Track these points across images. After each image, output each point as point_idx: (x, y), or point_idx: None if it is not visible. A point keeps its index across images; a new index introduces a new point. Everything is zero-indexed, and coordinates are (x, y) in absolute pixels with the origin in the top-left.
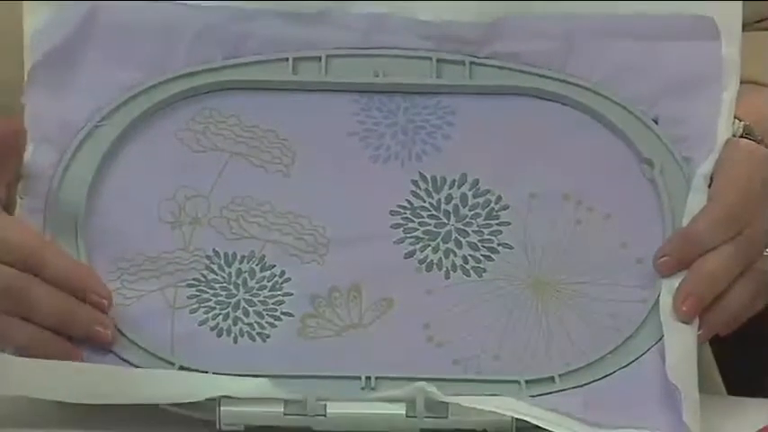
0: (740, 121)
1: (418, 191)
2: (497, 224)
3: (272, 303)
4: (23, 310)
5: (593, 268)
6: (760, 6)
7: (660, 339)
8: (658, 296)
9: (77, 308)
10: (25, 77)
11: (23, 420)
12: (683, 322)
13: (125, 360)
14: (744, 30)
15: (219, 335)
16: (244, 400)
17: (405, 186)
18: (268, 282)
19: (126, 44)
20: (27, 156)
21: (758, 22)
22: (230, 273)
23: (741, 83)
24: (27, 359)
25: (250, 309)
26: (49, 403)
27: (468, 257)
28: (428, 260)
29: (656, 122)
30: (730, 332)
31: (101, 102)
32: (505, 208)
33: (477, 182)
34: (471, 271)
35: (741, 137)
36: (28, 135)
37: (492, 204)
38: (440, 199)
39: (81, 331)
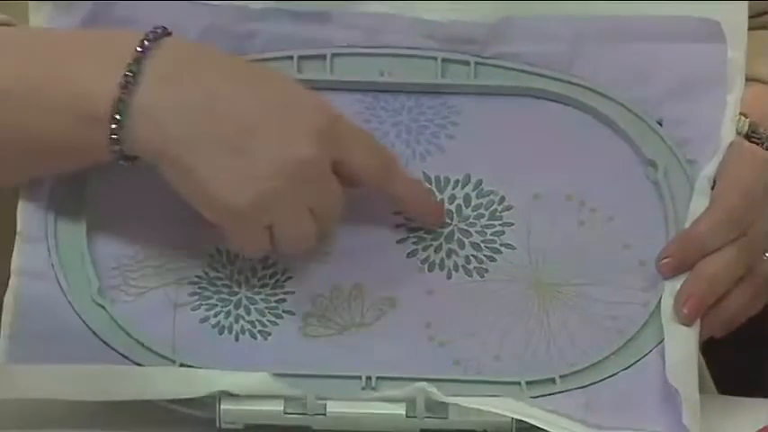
0: (745, 117)
1: None
2: (500, 225)
3: (274, 302)
4: None
5: (596, 270)
6: (757, 4)
7: (661, 341)
8: (660, 298)
9: None
10: None
11: (25, 420)
12: (684, 324)
13: (126, 357)
14: None
15: (221, 332)
16: (244, 398)
17: None
18: (270, 280)
19: None
20: None
21: (754, 17)
22: (232, 270)
23: (746, 80)
24: (27, 366)
25: (252, 307)
26: (50, 402)
27: (471, 258)
28: (430, 260)
29: (661, 124)
30: (726, 333)
31: None
32: (509, 209)
33: (480, 182)
34: (473, 271)
35: (746, 134)
36: None
37: (495, 205)
38: (443, 199)
39: None
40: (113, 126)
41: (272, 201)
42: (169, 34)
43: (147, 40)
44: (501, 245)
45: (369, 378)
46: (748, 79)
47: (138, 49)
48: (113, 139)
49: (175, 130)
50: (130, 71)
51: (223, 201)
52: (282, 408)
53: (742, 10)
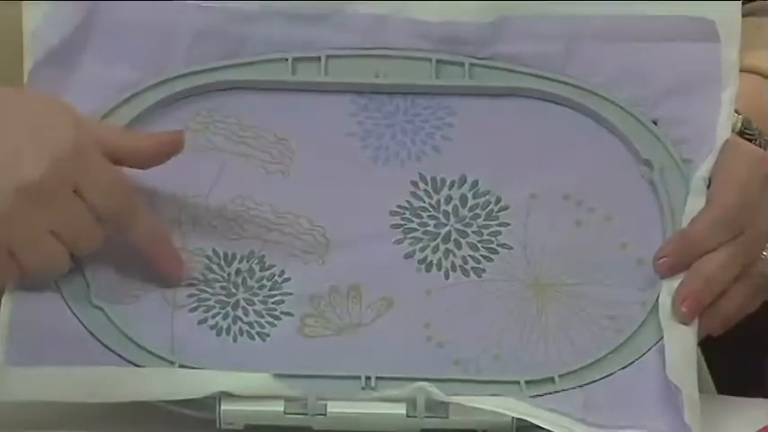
0: (738, 114)
1: (418, 191)
2: (497, 225)
3: (272, 303)
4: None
5: (593, 269)
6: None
7: (660, 340)
8: (658, 297)
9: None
10: (25, 77)
11: (23, 422)
12: (683, 323)
13: (124, 359)
14: None
15: (219, 334)
16: (244, 398)
17: (404, 187)
18: (267, 281)
19: (125, 44)
20: None
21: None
22: (230, 272)
23: (740, 72)
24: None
25: (250, 308)
26: (49, 405)
27: (468, 258)
28: (428, 260)
29: (656, 124)
30: (724, 332)
31: (100, 101)
32: (505, 209)
33: (476, 183)
34: (471, 271)
35: (739, 130)
36: None
37: (491, 205)
38: (439, 199)
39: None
40: None
41: (2, 225)
42: None
43: None
44: (498, 245)
45: (368, 378)
46: (742, 70)
47: None
48: None
49: None
50: None
51: None
52: (283, 408)
53: (736, 9)
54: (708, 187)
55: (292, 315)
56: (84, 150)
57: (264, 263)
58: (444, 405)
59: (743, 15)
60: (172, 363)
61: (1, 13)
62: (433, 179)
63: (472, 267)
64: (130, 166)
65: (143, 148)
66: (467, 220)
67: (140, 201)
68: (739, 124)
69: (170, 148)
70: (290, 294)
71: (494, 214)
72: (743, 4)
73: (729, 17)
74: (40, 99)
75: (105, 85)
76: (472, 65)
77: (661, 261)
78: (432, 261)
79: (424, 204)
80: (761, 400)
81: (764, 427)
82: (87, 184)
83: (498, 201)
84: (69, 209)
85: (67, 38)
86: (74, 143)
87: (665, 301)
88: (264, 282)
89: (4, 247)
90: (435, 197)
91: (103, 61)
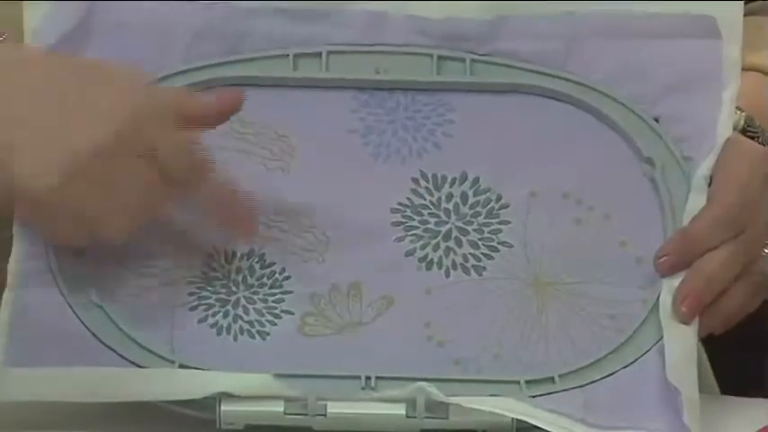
0: (741, 111)
1: (418, 189)
2: (497, 223)
3: (272, 301)
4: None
5: (594, 267)
6: None
7: (660, 339)
8: (658, 296)
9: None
10: None
11: (23, 422)
12: (683, 322)
13: (125, 358)
14: None
15: (219, 333)
16: (244, 399)
17: (405, 184)
18: (268, 279)
19: (125, 42)
20: None
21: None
22: (230, 270)
23: (742, 70)
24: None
25: (250, 307)
26: (49, 405)
27: (469, 256)
28: (428, 258)
29: (657, 121)
30: (725, 331)
31: None
32: (506, 206)
33: (477, 180)
34: (471, 269)
35: (742, 128)
36: None
37: (492, 203)
38: (440, 197)
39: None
40: None
41: (76, 190)
42: None
43: None
44: (499, 243)
45: (368, 378)
46: (744, 68)
47: None
48: None
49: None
50: None
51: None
52: (283, 408)
53: (737, 6)
54: (709, 185)
55: (293, 314)
56: (156, 113)
57: (265, 261)
58: (444, 405)
59: (744, 15)
60: (172, 362)
61: (1, 12)
62: (434, 176)
63: (473, 266)
64: (197, 127)
65: (209, 108)
66: (467, 218)
67: (211, 162)
68: (742, 122)
69: (232, 107)
70: (291, 293)
71: (494, 212)
72: (744, 3)
73: (731, 14)
74: (111, 64)
75: None
76: (473, 61)
77: (662, 260)
78: (432, 259)
79: (424, 202)
80: (761, 400)
81: (764, 427)
82: (160, 146)
83: (499, 198)
84: (142, 172)
85: (67, 37)
86: (145, 105)
87: (666, 300)
88: (265, 280)
89: (76, 213)
90: (436, 194)
91: (103, 59)
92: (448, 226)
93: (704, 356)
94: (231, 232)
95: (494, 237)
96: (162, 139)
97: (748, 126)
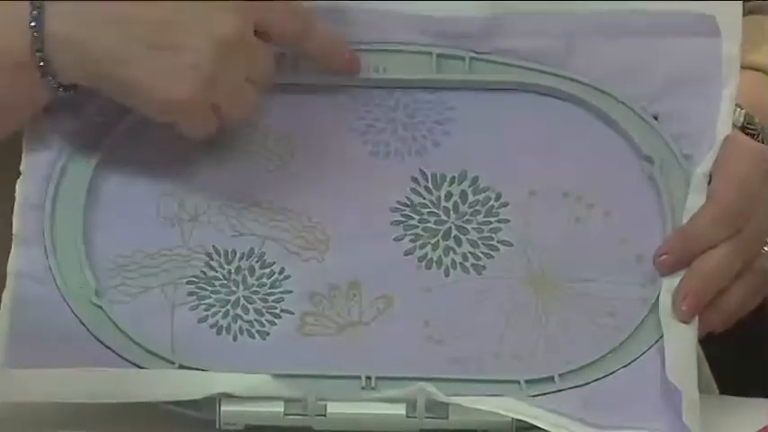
0: (741, 109)
1: (418, 187)
2: (497, 221)
3: (272, 301)
4: None
5: (593, 266)
6: None
7: (660, 338)
8: (658, 294)
9: None
10: None
11: (23, 422)
12: (683, 321)
13: (124, 358)
14: None
15: (219, 332)
16: (244, 399)
17: (404, 183)
18: (267, 279)
19: None
20: (25, 152)
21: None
22: (230, 270)
23: (741, 68)
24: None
25: (250, 306)
26: (49, 405)
27: (468, 255)
28: (428, 257)
29: (657, 119)
30: (725, 329)
31: (101, 98)
32: (505, 205)
33: (476, 179)
34: (471, 268)
35: (742, 125)
36: (26, 132)
37: (492, 202)
38: (440, 196)
39: None
40: (41, 65)
41: (209, 85)
42: None
43: None
44: (498, 242)
45: (368, 378)
46: (743, 67)
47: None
48: (45, 78)
49: (97, 48)
50: (35, 12)
51: (165, 100)
52: (283, 409)
53: (737, 5)
54: (709, 183)
55: (292, 313)
56: None
57: (264, 260)
58: (444, 405)
59: (744, 14)
60: (172, 362)
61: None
62: (434, 175)
63: (472, 264)
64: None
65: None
66: (467, 217)
67: (309, 14)
68: (741, 119)
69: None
70: (290, 292)
71: (494, 211)
72: (744, 2)
73: (730, 12)
74: None
75: None
76: (473, 59)
77: (661, 258)
78: (432, 258)
79: (424, 201)
80: (761, 400)
81: (764, 427)
82: (266, 15)
83: (498, 197)
84: (257, 50)
85: None
86: None
87: (666, 299)
88: (264, 279)
89: (209, 103)
90: (436, 193)
91: None
92: (447, 225)
93: (702, 356)
94: (338, 69)
95: (493, 235)
96: (266, 11)
97: (748, 123)
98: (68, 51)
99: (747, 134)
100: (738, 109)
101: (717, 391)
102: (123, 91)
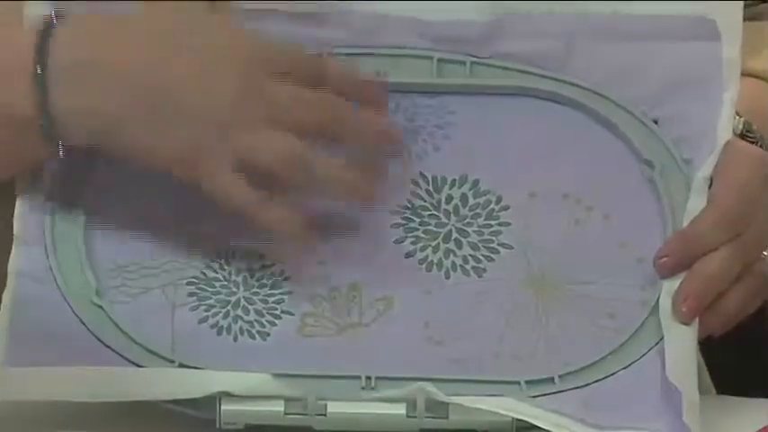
0: (740, 116)
1: (419, 190)
2: (497, 224)
3: (272, 302)
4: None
5: (593, 268)
6: None
7: (660, 340)
8: (658, 297)
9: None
10: None
11: (23, 421)
12: (683, 323)
13: (125, 358)
14: None
15: (219, 333)
16: (244, 398)
17: (405, 186)
18: (268, 280)
19: None
20: None
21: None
22: (230, 271)
23: (741, 75)
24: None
25: (250, 307)
26: (50, 404)
27: (469, 257)
28: (428, 260)
29: (657, 123)
30: (724, 332)
31: None
32: (506, 208)
33: (477, 182)
34: (471, 271)
35: (741, 133)
36: None
37: (492, 205)
38: (440, 199)
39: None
40: (41, 124)
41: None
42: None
43: (43, 35)
44: (498, 244)
45: (369, 378)
46: (742, 74)
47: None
48: (46, 136)
49: (103, 108)
50: (38, 66)
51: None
52: (283, 408)
53: (737, 8)
54: (709, 187)
55: (293, 314)
56: (264, 50)
57: (265, 261)
58: (444, 405)
59: (744, 19)
60: (172, 362)
61: (2, 11)
62: (434, 178)
63: (473, 267)
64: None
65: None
66: (467, 220)
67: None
68: (741, 126)
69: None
70: (291, 293)
71: (494, 213)
72: (744, 7)
73: (731, 16)
74: (218, 20)
75: None
76: (473, 63)
77: (662, 261)
78: (432, 261)
79: (425, 203)
80: (761, 400)
81: (764, 427)
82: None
83: (499, 200)
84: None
85: None
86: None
87: (665, 301)
88: (265, 281)
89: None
90: (436, 196)
91: None
92: (448, 227)
93: (702, 363)
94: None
95: (494, 238)
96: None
97: (747, 131)
98: (73, 118)
99: (746, 142)
100: (737, 117)
101: (713, 390)
102: (131, 155)
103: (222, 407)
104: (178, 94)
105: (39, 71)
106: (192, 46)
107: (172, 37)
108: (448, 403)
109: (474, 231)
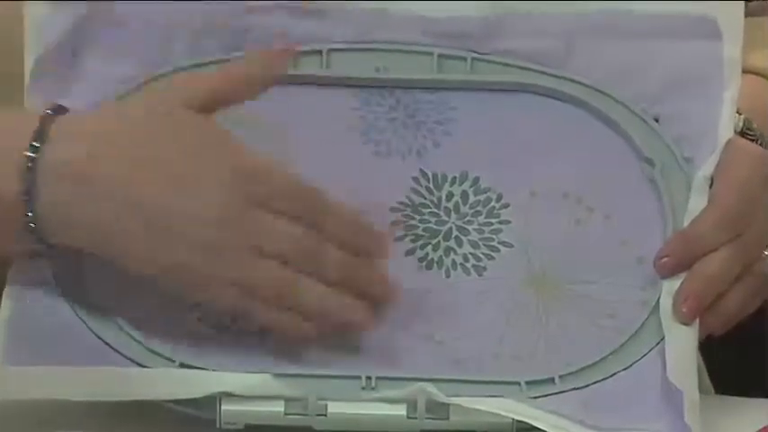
0: (740, 114)
1: (419, 188)
2: (498, 222)
3: None
4: (311, 267)
5: (594, 268)
6: None
7: (661, 340)
8: (659, 297)
9: (364, 266)
10: (26, 72)
11: (24, 420)
12: (684, 323)
13: (126, 357)
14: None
15: (220, 332)
16: (244, 398)
17: (405, 183)
18: None
19: (126, 39)
20: None
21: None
22: None
23: (741, 72)
24: (26, 367)
25: None
26: (50, 403)
27: (469, 256)
28: (428, 258)
29: (657, 121)
30: (724, 332)
31: (101, 96)
32: (506, 206)
33: (477, 179)
34: (472, 269)
35: (741, 131)
36: None
37: (493, 202)
38: (441, 196)
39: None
40: (30, 226)
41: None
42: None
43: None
44: (499, 243)
45: (369, 378)
46: (743, 71)
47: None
48: (35, 238)
49: (89, 223)
50: (28, 173)
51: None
52: (283, 408)
53: (738, 6)
54: (710, 187)
55: None
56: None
57: None
58: (445, 406)
59: (744, 16)
60: (172, 361)
61: (3, 8)
62: (435, 175)
63: (473, 266)
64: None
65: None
66: (468, 218)
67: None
68: (741, 124)
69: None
70: None
71: (495, 212)
72: (745, 4)
73: (732, 14)
74: (190, 125)
75: (106, 80)
76: (474, 59)
77: (662, 261)
78: (432, 259)
79: (425, 201)
80: (761, 400)
81: (764, 427)
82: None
83: (499, 198)
84: (270, 223)
85: (69, 33)
86: (240, 169)
87: (666, 301)
88: None
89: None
90: (437, 194)
91: (104, 58)
92: (448, 225)
93: (702, 365)
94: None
95: (494, 236)
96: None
97: (747, 129)
98: (57, 224)
99: (746, 139)
100: (737, 114)
101: (712, 390)
102: (120, 264)
103: (222, 407)
104: (163, 213)
105: (29, 165)
106: (177, 159)
107: (158, 148)
108: (448, 404)
109: (474, 229)
